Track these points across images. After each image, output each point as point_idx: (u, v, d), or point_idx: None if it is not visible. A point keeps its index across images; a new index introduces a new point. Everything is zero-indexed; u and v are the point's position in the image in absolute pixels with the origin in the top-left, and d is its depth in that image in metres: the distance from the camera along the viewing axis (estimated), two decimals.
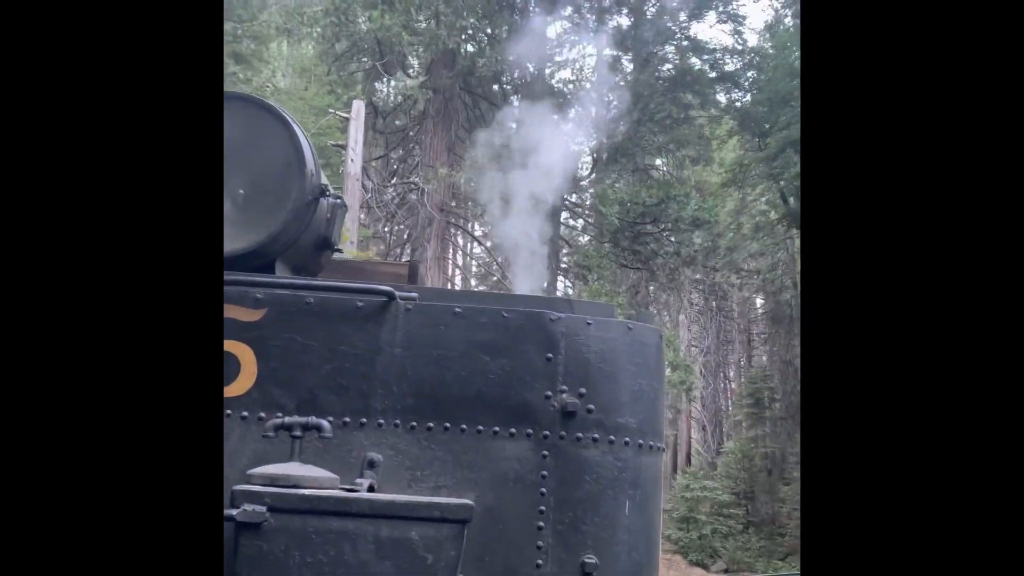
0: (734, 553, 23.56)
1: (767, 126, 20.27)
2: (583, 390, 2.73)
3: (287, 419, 2.50)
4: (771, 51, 20.44)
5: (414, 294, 2.77)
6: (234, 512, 2.22)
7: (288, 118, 2.93)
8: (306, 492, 2.28)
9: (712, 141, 23.82)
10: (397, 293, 2.74)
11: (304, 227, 2.98)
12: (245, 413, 2.64)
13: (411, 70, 19.27)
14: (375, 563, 2.26)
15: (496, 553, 2.59)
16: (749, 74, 21.28)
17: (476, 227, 24.77)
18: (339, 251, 3.32)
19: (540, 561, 2.60)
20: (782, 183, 21.01)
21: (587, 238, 24.20)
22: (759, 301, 32.99)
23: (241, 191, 2.92)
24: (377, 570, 2.26)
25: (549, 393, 2.71)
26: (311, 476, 2.36)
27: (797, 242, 26.47)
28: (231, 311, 2.68)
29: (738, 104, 21.81)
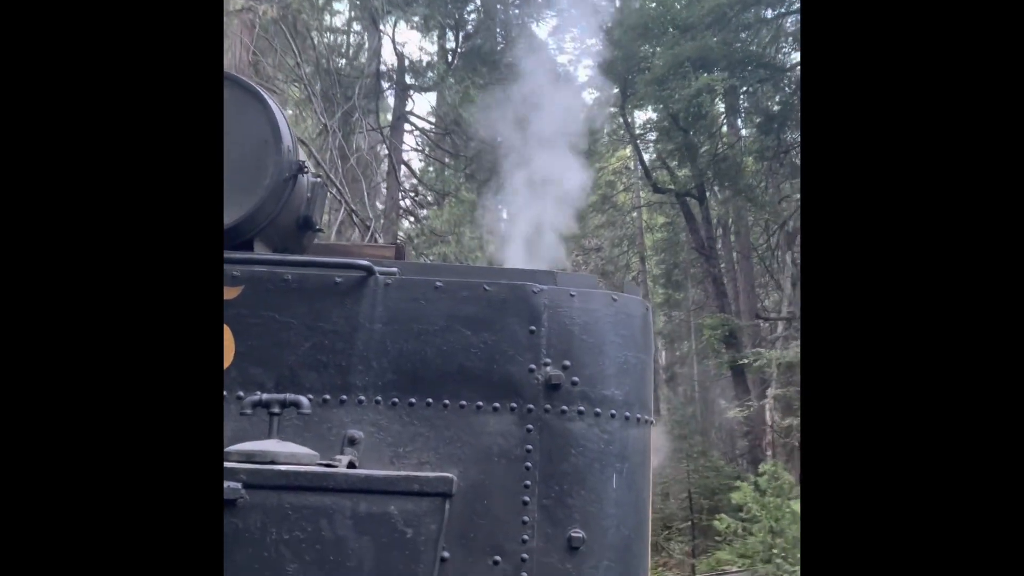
0: None
1: (629, 76, 17.34)
2: (567, 362, 2.67)
3: (264, 396, 2.46)
4: None
5: (394, 269, 2.73)
6: None
7: (263, 94, 2.88)
8: (282, 468, 2.24)
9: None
10: (376, 268, 2.70)
11: (282, 206, 2.93)
12: (223, 392, 2.59)
13: None
14: (354, 539, 2.22)
15: (481, 529, 2.54)
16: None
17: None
18: (320, 231, 3.27)
19: (526, 536, 2.55)
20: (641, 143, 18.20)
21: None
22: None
23: None
24: (356, 546, 2.21)
25: (533, 366, 2.66)
26: (288, 452, 2.32)
27: (647, 214, 24.05)
28: None
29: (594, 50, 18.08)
